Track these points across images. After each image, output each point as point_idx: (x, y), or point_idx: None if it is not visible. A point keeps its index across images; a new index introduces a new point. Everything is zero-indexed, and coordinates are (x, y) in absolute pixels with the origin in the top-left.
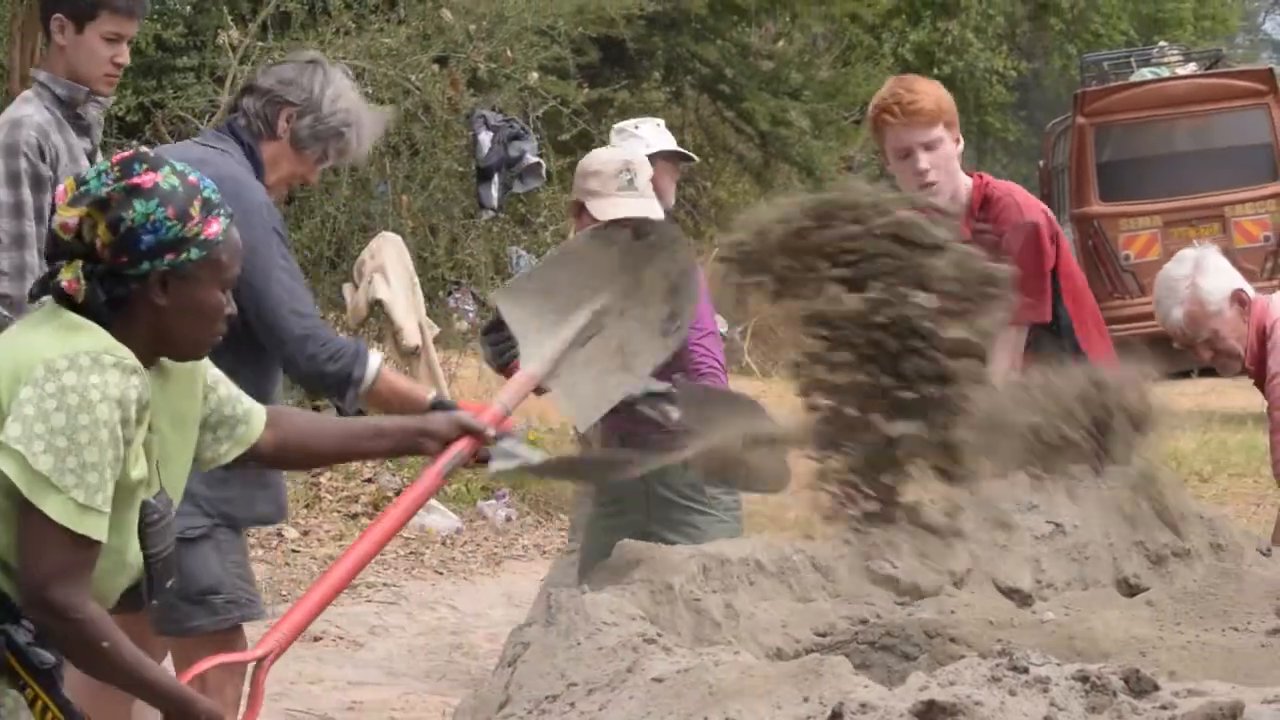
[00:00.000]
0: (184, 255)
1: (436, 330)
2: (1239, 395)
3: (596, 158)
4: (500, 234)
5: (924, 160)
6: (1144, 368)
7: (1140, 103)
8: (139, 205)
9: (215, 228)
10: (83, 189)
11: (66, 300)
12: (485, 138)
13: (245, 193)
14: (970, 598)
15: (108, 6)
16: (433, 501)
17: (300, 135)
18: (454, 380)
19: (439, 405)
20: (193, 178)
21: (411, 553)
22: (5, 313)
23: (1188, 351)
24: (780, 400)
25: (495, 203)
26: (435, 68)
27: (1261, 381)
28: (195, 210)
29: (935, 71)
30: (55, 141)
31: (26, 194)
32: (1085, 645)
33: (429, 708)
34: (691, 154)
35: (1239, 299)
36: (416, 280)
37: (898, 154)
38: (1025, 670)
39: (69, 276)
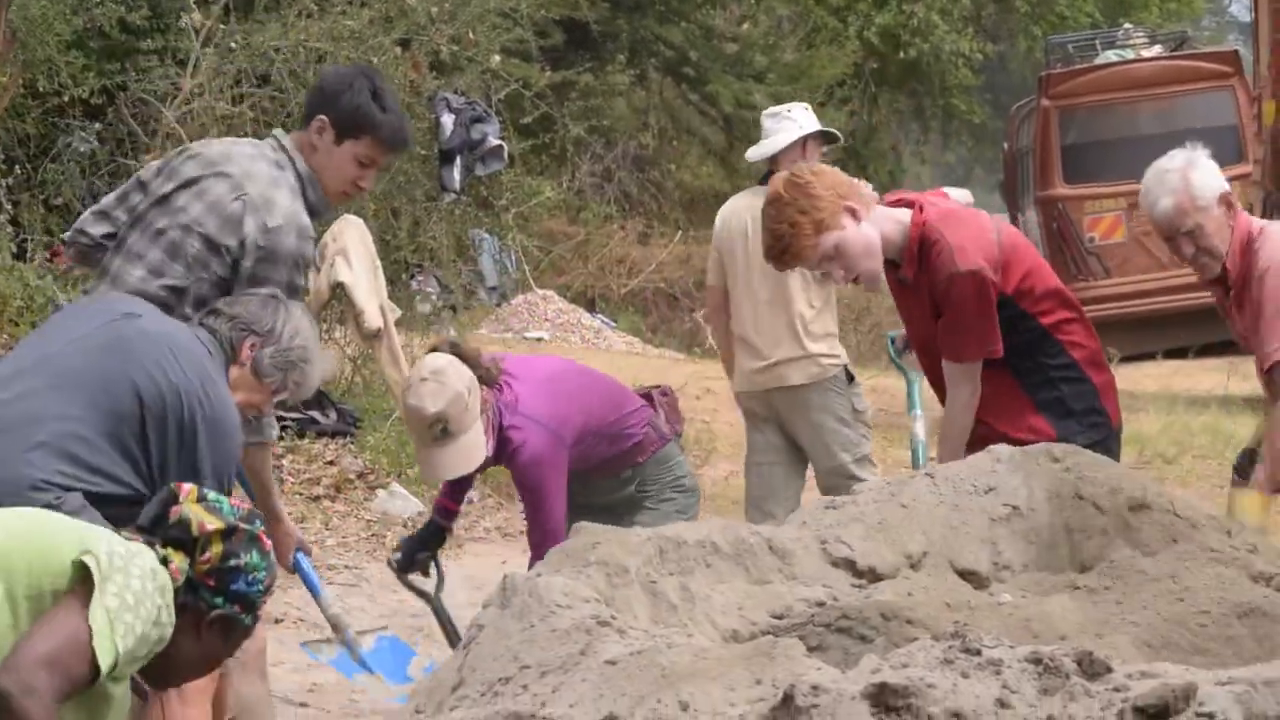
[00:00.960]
0: (245, 617)
1: (398, 313)
2: (1204, 378)
3: (409, 401)
4: (462, 217)
5: (837, 272)
6: None
7: (1105, 85)
8: (255, 556)
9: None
10: (214, 503)
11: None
12: (447, 120)
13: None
14: (927, 580)
15: (374, 134)
16: (395, 485)
17: (261, 365)
18: (415, 362)
19: None
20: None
21: (373, 535)
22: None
23: (1152, 334)
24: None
25: (457, 185)
26: (397, 50)
27: (1240, 292)
28: (270, 585)
29: (901, 54)
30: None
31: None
32: (1042, 628)
33: (389, 691)
34: (838, 133)
35: (1226, 201)
36: (378, 263)
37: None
38: (978, 652)
39: (178, 563)
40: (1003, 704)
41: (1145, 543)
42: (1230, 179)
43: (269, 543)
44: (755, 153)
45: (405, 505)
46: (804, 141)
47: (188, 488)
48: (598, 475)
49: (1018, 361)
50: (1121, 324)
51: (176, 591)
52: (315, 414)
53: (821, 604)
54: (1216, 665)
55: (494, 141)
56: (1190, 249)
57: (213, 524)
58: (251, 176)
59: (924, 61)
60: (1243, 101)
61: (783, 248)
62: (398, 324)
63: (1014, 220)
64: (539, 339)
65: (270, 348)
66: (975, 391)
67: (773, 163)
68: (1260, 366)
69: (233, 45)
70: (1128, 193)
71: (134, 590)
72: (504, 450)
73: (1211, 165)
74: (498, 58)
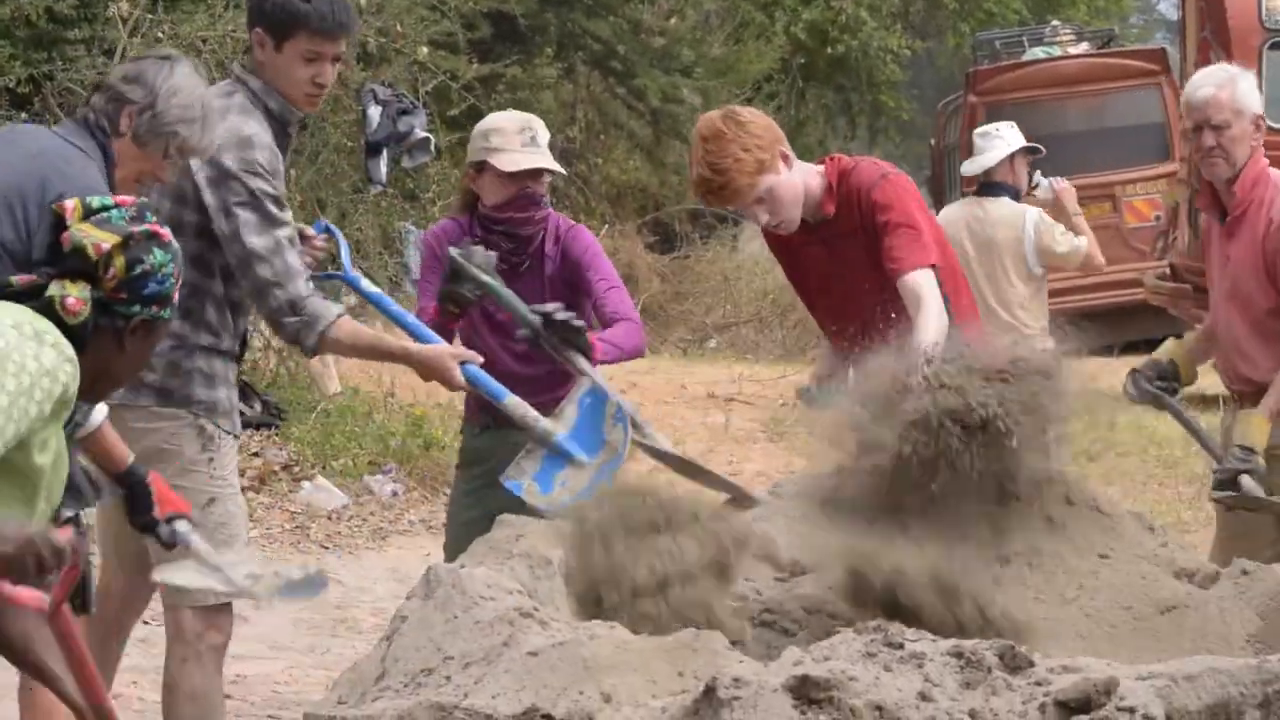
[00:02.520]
0: (163, 312)
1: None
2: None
3: (495, 117)
4: (389, 209)
5: (764, 216)
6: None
7: (1032, 82)
8: (157, 254)
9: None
10: (103, 216)
11: (50, 312)
12: (374, 112)
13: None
14: None
15: (306, 26)
16: (320, 477)
17: (140, 132)
18: (337, 359)
19: (130, 472)
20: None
21: (297, 527)
22: (294, 318)
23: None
24: (668, 376)
25: (384, 178)
26: None
27: (1237, 221)
28: (178, 274)
29: (829, 50)
30: (277, 165)
31: (271, 209)
32: (967, 621)
33: (313, 681)
34: (1040, 147)
35: (1258, 124)
36: None
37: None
38: (900, 646)
39: (76, 295)
40: (924, 697)
41: (1068, 538)
42: (1157, 177)
43: (165, 231)
44: (970, 167)
45: (330, 498)
46: (1012, 156)
47: (70, 204)
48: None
49: None
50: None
51: (84, 322)
52: (240, 405)
53: (744, 598)
54: (1139, 660)
55: (421, 134)
56: (1211, 141)
57: (108, 240)
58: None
59: (852, 57)
60: (1170, 99)
61: (723, 183)
62: (486, 131)
63: None
64: None
65: (148, 114)
66: (940, 303)
67: (986, 175)
68: (1270, 310)
69: (160, 35)
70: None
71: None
72: (559, 240)
73: (1256, 89)
74: (425, 50)
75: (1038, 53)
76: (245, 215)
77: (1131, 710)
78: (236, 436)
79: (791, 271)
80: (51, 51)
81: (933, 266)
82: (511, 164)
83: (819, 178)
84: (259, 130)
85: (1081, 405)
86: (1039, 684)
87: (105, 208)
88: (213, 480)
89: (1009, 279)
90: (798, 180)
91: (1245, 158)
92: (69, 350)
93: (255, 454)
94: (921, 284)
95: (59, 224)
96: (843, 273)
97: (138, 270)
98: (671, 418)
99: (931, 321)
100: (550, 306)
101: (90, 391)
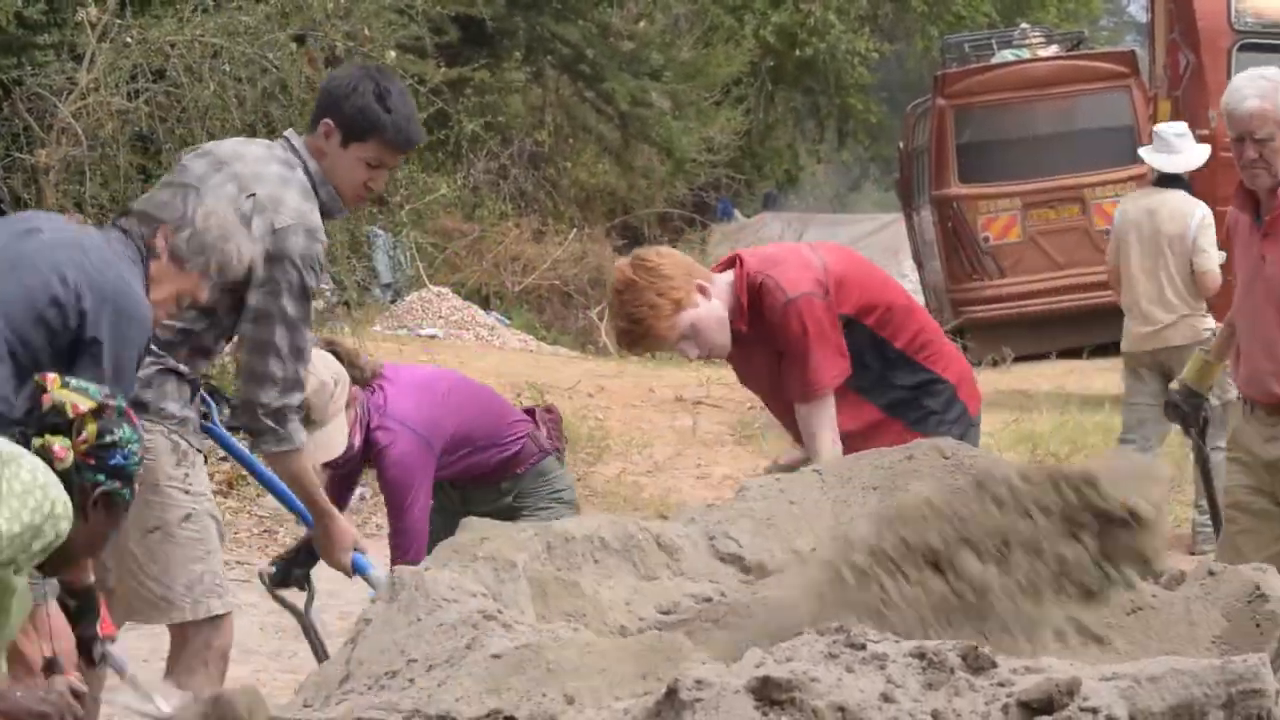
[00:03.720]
0: (124, 491)
1: None
2: (1097, 377)
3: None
4: (356, 213)
5: (692, 351)
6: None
7: (1001, 84)
8: (127, 430)
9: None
10: (81, 387)
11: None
12: None
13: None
14: None
15: (379, 136)
16: None
17: (179, 251)
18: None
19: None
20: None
21: (265, 531)
22: (272, 423)
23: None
24: (637, 379)
25: None
26: (293, 46)
27: (1275, 222)
28: (139, 462)
29: (797, 53)
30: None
31: (310, 310)
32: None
33: (280, 685)
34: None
35: None
36: None
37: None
38: (862, 647)
39: (61, 444)
40: (887, 698)
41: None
42: (1126, 179)
43: (134, 415)
44: (1170, 164)
45: None
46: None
47: (51, 376)
48: (475, 485)
49: (874, 390)
50: (1016, 324)
51: (65, 475)
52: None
53: (709, 600)
54: (1103, 661)
55: None
56: (1254, 154)
57: (85, 404)
58: (261, 178)
59: (820, 60)
60: (1139, 102)
61: (643, 331)
62: None
63: (909, 220)
64: (432, 336)
65: (184, 232)
66: (835, 432)
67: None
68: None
69: (129, 40)
70: (1023, 192)
71: (22, 480)
72: (370, 450)
73: None
74: (393, 53)
75: (1007, 55)
76: (287, 305)
77: (1095, 711)
78: (204, 455)
79: (731, 360)
80: (20, 56)
81: (831, 393)
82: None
83: (729, 292)
84: (320, 226)
85: None
86: (1002, 684)
87: (82, 384)
88: (189, 495)
89: (1170, 267)
90: (719, 308)
91: None
92: (71, 509)
93: (223, 458)
94: (809, 416)
95: (39, 389)
96: (761, 376)
97: (107, 439)
98: (639, 421)
99: (823, 453)
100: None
101: (50, 562)
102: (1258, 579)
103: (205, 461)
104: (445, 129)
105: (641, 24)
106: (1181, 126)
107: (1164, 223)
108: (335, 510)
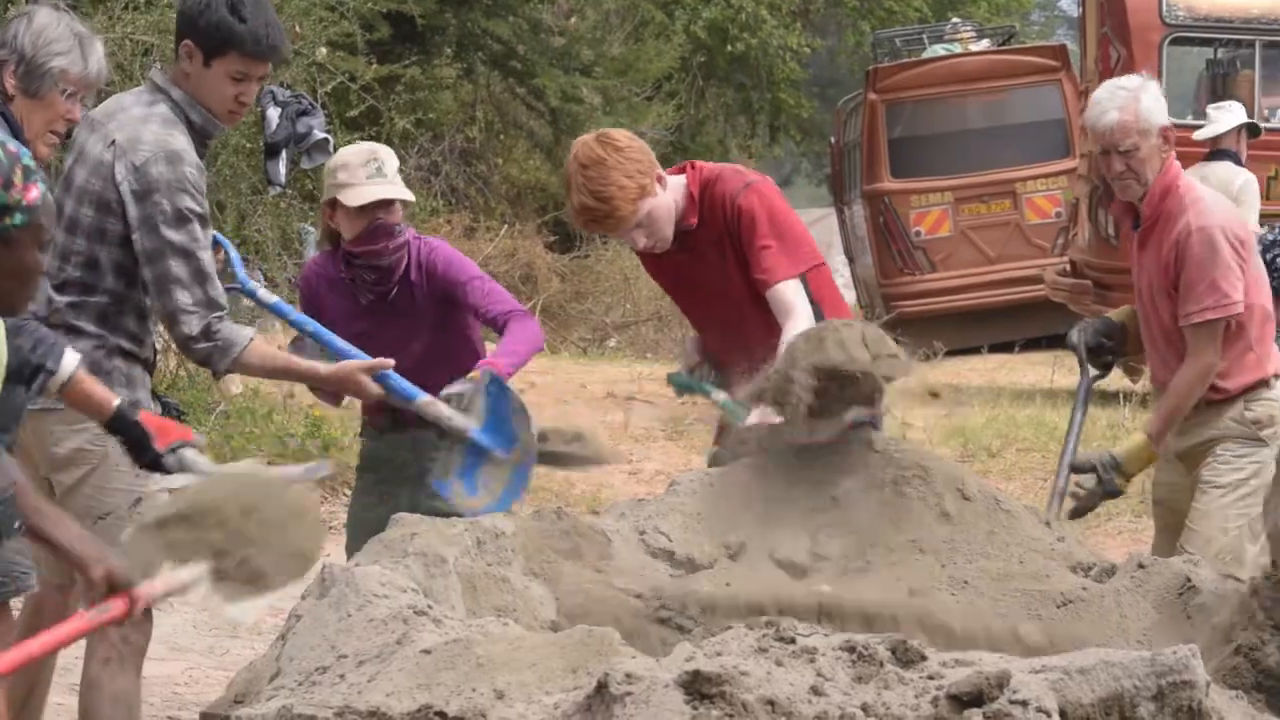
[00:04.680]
0: (8, 220)
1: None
2: (1029, 371)
3: (342, 153)
4: (288, 210)
5: (640, 240)
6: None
7: (932, 79)
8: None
9: (35, 193)
10: None
11: None
12: (273, 114)
13: None
14: (747, 571)
15: (238, 48)
16: None
17: (26, 84)
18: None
19: (119, 416)
20: (11, 146)
21: None
22: (207, 344)
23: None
24: (568, 375)
25: (283, 179)
26: None
27: (1147, 233)
28: (18, 178)
29: (728, 48)
30: (202, 182)
31: (198, 231)
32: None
33: (212, 682)
34: (1260, 125)
35: (1166, 136)
36: None
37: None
38: (792, 641)
39: None
40: (817, 691)
41: (964, 533)
42: (1057, 173)
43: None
44: (1203, 133)
45: None
46: (1239, 130)
47: None
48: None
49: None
50: (947, 318)
51: None
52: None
53: (640, 595)
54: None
55: (319, 135)
56: (1120, 166)
57: None
58: (121, 123)
59: (751, 56)
60: (1070, 96)
61: (608, 210)
62: (331, 167)
63: (840, 215)
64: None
65: (22, 65)
66: (810, 312)
67: (1213, 143)
68: (1176, 319)
69: None
70: (954, 187)
71: None
72: (421, 266)
73: (1161, 97)
74: (324, 51)
75: (938, 50)
76: (169, 234)
77: (1024, 703)
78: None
79: (657, 277)
80: None
81: (801, 276)
82: (357, 198)
83: (682, 189)
84: (186, 146)
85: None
86: (931, 678)
87: None
88: (138, 479)
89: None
90: (670, 200)
91: (1156, 172)
92: None
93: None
94: (789, 295)
95: None
96: (708, 278)
97: None
98: (571, 417)
99: (801, 329)
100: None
101: None
102: (1188, 571)
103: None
104: (376, 126)
105: (572, 20)
106: (1227, 103)
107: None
108: (321, 367)
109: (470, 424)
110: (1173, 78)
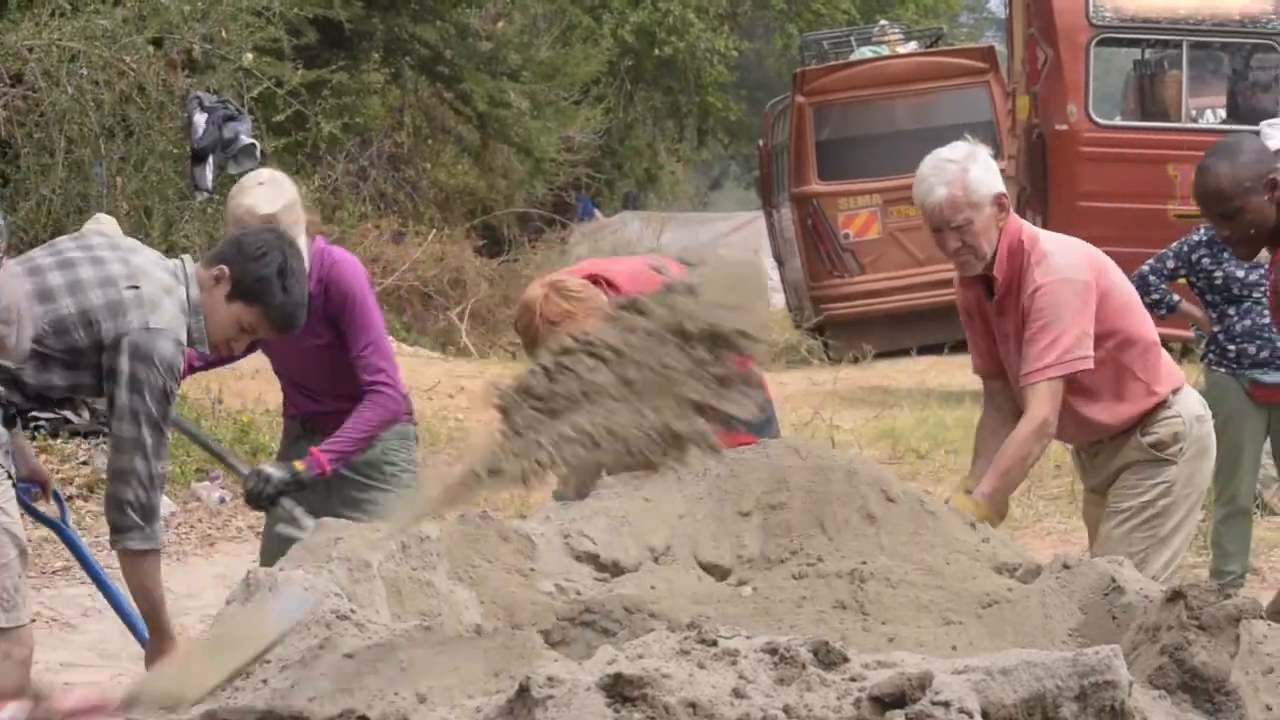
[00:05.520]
0: None
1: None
2: (958, 373)
3: (240, 203)
4: (215, 216)
5: None
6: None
7: (859, 81)
8: None
9: None
10: None
11: None
12: (200, 119)
13: None
14: (671, 574)
15: (265, 311)
16: None
17: None
18: None
19: None
20: None
21: None
22: (136, 520)
23: (907, 330)
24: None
25: (210, 184)
26: (150, 49)
27: (1004, 297)
28: None
29: (656, 52)
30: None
31: (169, 413)
32: (787, 617)
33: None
34: None
35: (1000, 202)
36: None
37: None
38: (714, 643)
39: None
40: (739, 694)
41: (889, 533)
42: None
43: None
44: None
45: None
46: None
47: None
48: None
49: None
50: (877, 320)
51: None
52: (68, 414)
53: (564, 591)
54: (960, 655)
55: (246, 140)
56: (956, 243)
57: None
58: (149, 276)
59: (679, 59)
60: (998, 98)
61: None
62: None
63: (769, 217)
64: None
65: None
66: None
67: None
68: (1014, 380)
69: None
70: (882, 189)
71: None
72: (322, 281)
73: (991, 163)
74: (250, 56)
75: (865, 52)
76: (152, 406)
77: (946, 704)
78: (11, 477)
79: None
80: None
81: None
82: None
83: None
84: (185, 342)
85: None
86: (854, 679)
87: None
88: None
89: None
90: None
91: (994, 242)
92: None
93: (84, 462)
94: None
95: None
96: None
97: None
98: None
99: None
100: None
101: None
102: (1113, 572)
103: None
104: (304, 131)
105: (500, 24)
106: (1275, 119)
107: None
108: (174, 634)
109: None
110: (1100, 79)
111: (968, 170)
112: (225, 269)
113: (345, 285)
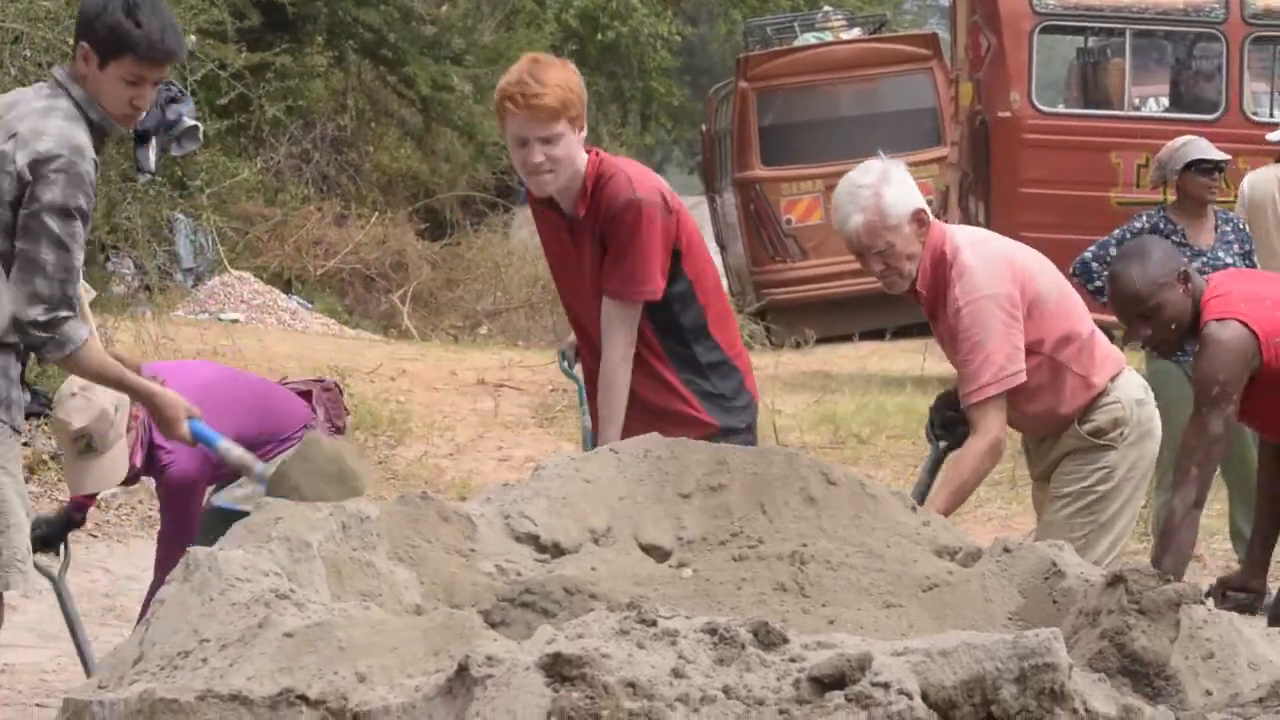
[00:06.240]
0: None
1: (94, 294)
2: (900, 359)
3: (57, 415)
4: (158, 198)
5: (538, 154)
6: None
7: (803, 67)
8: None
9: None
10: None
11: None
12: None
13: None
14: (612, 555)
15: (134, 51)
16: None
17: None
18: (110, 344)
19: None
20: None
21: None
22: (45, 334)
23: (849, 316)
24: (439, 362)
25: (153, 166)
26: None
27: (933, 307)
28: None
29: (600, 37)
30: (94, 181)
31: (78, 229)
32: (727, 599)
33: (80, 670)
34: None
35: (919, 218)
36: None
37: (515, 142)
38: (654, 623)
39: None
40: (678, 674)
41: (830, 516)
42: (928, 161)
43: None
44: (1274, 135)
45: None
46: None
47: None
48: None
49: (677, 348)
50: (819, 306)
51: None
52: None
53: (504, 571)
54: (899, 638)
55: (189, 122)
56: (879, 266)
57: None
58: (22, 114)
59: (623, 44)
60: (941, 84)
61: (538, 92)
62: (93, 305)
63: (712, 203)
64: (235, 320)
65: None
66: (631, 344)
67: None
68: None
69: None
70: (825, 175)
71: None
72: (154, 465)
73: (905, 179)
74: (194, 38)
75: (809, 38)
76: (51, 223)
77: (886, 685)
78: (18, 431)
79: (545, 245)
80: None
81: (641, 302)
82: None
83: (581, 173)
84: (87, 143)
85: None
86: (793, 660)
87: None
88: None
89: None
90: (578, 158)
91: (917, 258)
92: None
93: (25, 444)
94: (615, 314)
95: None
96: (578, 265)
97: None
98: (441, 404)
99: (614, 355)
100: None
101: None
102: (1053, 556)
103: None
104: (247, 113)
105: (443, 8)
106: None
107: None
108: (153, 386)
109: (260, 466)
110: (1043, 66)
111: (881, 195)
112: (85, 44)
113: (175, 483)
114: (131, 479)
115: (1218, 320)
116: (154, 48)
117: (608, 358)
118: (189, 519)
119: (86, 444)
